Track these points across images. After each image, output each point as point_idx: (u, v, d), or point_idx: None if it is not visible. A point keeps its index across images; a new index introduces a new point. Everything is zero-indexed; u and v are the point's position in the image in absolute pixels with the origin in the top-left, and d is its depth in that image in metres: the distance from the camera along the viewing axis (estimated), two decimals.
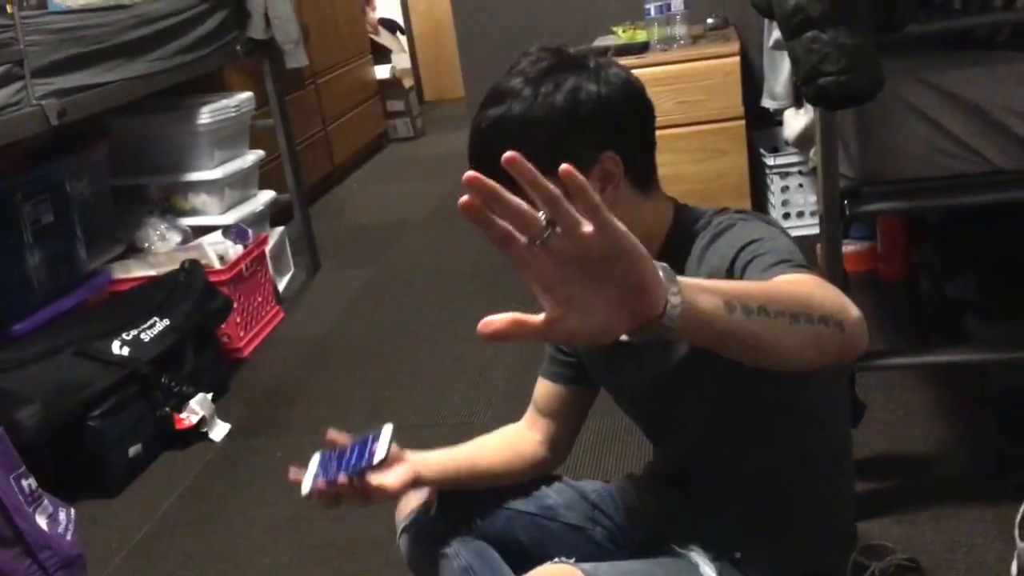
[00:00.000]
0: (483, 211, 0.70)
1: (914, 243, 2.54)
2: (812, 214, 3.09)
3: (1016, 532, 1.59)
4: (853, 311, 0.91)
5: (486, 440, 1.40)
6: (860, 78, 1.36)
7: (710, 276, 1.08)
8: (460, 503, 1.34)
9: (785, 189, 3.11)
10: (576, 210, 0.70)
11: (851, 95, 1.38)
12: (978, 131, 1.56)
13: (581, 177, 0.70)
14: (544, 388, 1.39)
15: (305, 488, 1.17)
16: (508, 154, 0.70)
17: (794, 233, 3.07)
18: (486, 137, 1.13)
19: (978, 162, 1.58)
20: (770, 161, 3.08)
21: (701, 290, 0.79)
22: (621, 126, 1.15)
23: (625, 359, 1.26)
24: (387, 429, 1.19)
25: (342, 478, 1.15)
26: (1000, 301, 2.07)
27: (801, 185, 3.09)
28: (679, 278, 0.77)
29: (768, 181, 3.14)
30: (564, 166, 0.70)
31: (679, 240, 1.18)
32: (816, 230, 3.04)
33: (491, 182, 0.70)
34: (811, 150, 1.99)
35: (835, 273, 1.67)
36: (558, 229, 0.71)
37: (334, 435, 1.23)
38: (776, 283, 0.94)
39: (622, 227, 0.72)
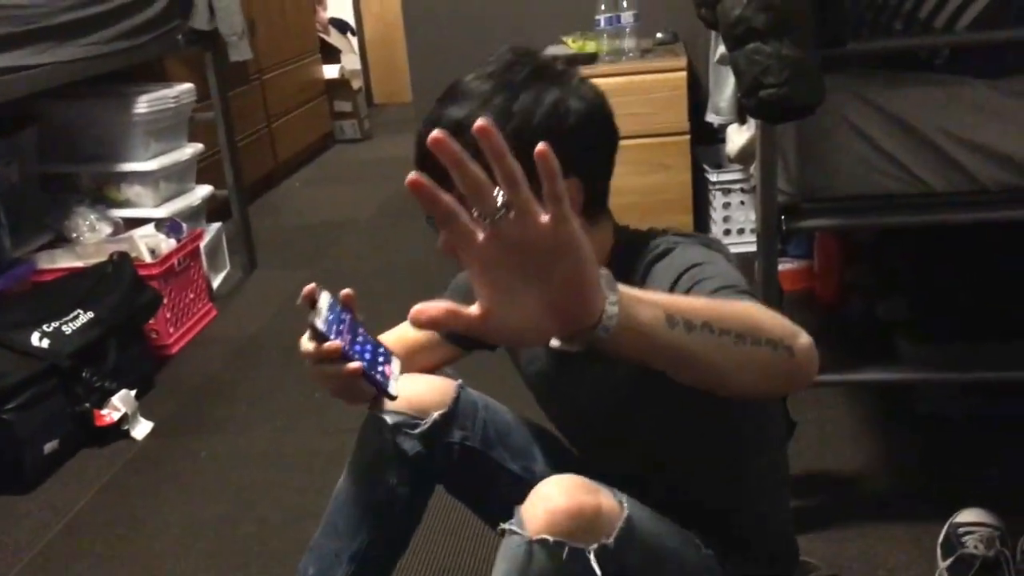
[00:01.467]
0: (431, 188, 0.69)
1: (849, 263, 2.56)
2: (752, 231, 3.10)
3: (938, 552, 1.61)
4: (803, 337, 0.88)
5: None
6: (801, 92, 1.36)
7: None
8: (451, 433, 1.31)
9: (727, 206, 3.13)
10: (538, 196, 0.70)
11: (791, 108, 1.38)
12: (914, 152, 1.58)
13: (555, 162, 0.68)
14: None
15: (320, 324, 1.06)
16: (480, 123, 0.68)
17: (734, 250, 3.06)
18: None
19: (913, 183, 1.60)
20: (713, 177, 3.10)
21: (641, 301, 0.78)
22: (591, 151, 1.10)
23: (564, 372, 1.24)
24: (397, 363, 1.13)
25: (355, 366, 1.07)
26: (929, 322, 2.09)
27: (743, 202, 3.11)
28: (620, 287, 0.75)
29: (710, 197, 3.16)
30: (541, 145, 0.68)
31: (619, 263, 1.12)
32: (754, 247, 3.08)
33: (458, 148, 0.68)
34: (752, 165, 2.00)
35: (771, 288, 1.67)
36: (512, 214, 0.70)
37: (349, 293, 1.15)
38: (723, 301, 0.92)
39: (576, 225, 0.71)
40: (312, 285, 1.12)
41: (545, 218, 0.69)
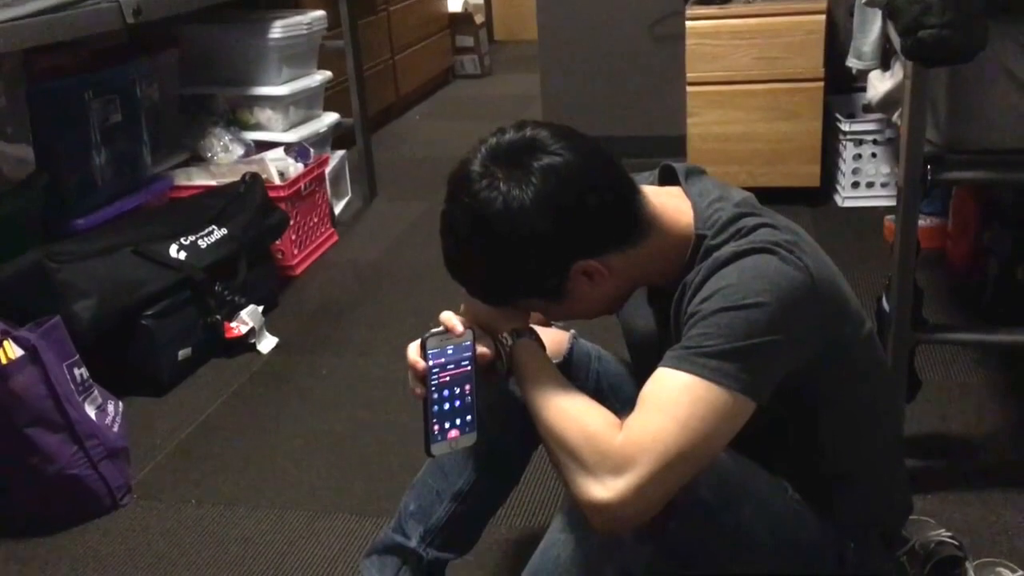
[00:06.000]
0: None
1: (986, 224, 2.45)
2: (883, 185, 3.01)
3: None
4: (591, 491, 1.01)
5: None
6: (962, 35, 1.30)
7: (691, 311, 1.07)
8: None
9: (857, 157, 3.02)
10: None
11: (950, 52, 1.32)
12: None
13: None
14: None
15: (432, 342, 1.12)
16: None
17: (861, 204, 3.03)
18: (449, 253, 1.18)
19: None
20: (845, 127, 2.99)
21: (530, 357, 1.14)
22: (581, 235, 1.09)
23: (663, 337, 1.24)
24: (468, 439, 1.16)
25: (419, 392, 1.13)
26: None
27: (874, 155, 3.01)
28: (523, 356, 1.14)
29: (840, 148, 3.06)
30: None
31: (695, 258, 1.12)
32: (884, 202, 2.98)
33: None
34: (895, 114, 1.92)
35: (908, 242, 1.61)
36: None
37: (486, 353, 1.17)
38: (560, 406, 1.09)
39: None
40: (472, 329, 1.15)
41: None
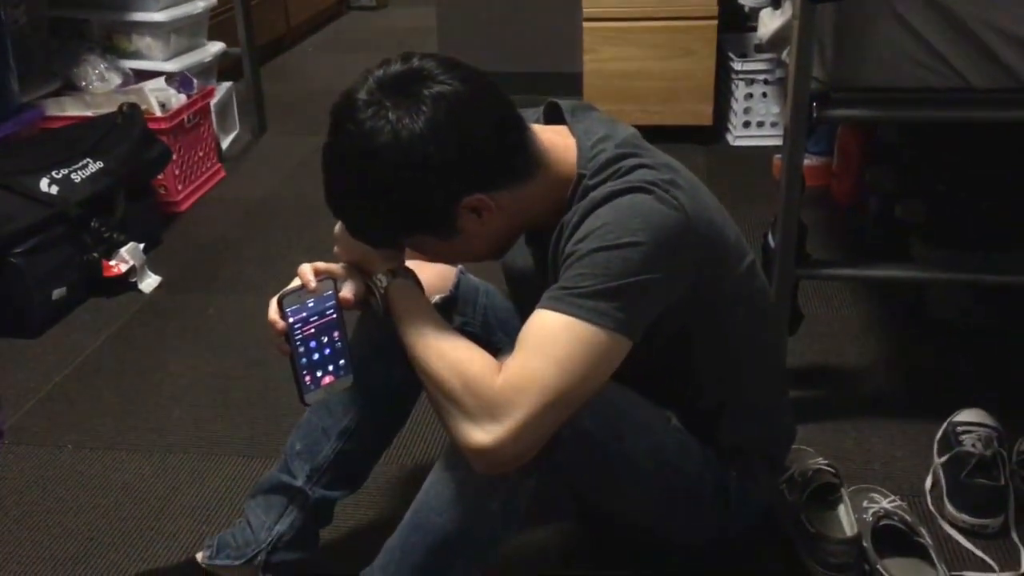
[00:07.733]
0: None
1: (869, 162, 2.53)
2: (773, 125, 3.06)
3: (935, 448, 1.63)
4: (470, 435, 1.00)
5: None
6: None
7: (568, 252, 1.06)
8: None
9: (749, 97, 3.06)
10: None
11: None
12: (958, 46, 1.52)
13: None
14: None
15: (289, 300, 1.11)
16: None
17: (752, 143, 3.08)
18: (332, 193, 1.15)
19: (952, 78, 1.55)
20: (737, 66, 3.02)
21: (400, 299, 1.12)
22: (472, 166, 1.06)
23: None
24: (344, 382, 1.16)
25: (285, 350, 1.12)
26: (947, 226, 2.07)
27: (765, 94, 3.05)
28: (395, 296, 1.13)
29: (732, 87, 3.09)
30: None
31: (574, 198, 1.12)
32: (774, 141, 3.04)
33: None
34: (784, 52, 1.94)
35: (794, 179, 1.64)
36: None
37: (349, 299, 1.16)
38: (442, 346, 1.07)
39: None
40: (333, 274, 1.15)
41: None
